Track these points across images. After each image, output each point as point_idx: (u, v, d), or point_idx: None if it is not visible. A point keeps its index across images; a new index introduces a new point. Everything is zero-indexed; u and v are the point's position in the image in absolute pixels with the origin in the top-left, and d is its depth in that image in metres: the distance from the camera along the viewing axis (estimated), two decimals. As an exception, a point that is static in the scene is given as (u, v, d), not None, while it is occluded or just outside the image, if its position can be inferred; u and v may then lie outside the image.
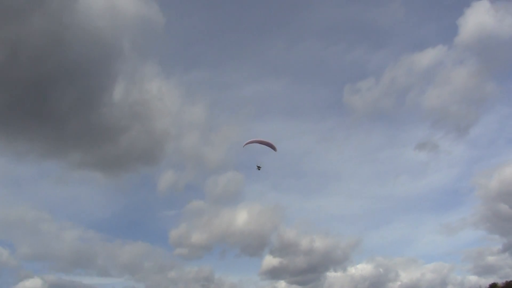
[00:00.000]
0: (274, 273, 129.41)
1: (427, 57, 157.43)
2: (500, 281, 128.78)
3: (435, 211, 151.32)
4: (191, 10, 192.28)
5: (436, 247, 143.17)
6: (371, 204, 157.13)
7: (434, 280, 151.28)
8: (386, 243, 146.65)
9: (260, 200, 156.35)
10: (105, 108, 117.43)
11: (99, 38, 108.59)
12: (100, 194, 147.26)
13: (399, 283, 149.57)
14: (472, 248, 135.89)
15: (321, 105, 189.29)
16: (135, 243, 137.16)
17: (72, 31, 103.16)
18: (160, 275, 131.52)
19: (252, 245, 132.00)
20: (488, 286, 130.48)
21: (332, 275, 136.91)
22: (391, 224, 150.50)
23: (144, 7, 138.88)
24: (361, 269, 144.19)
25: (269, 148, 74.47)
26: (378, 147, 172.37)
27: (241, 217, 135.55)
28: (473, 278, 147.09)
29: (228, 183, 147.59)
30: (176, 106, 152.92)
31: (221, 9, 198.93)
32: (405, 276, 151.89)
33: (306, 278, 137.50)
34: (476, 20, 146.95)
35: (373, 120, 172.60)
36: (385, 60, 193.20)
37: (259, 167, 77.28)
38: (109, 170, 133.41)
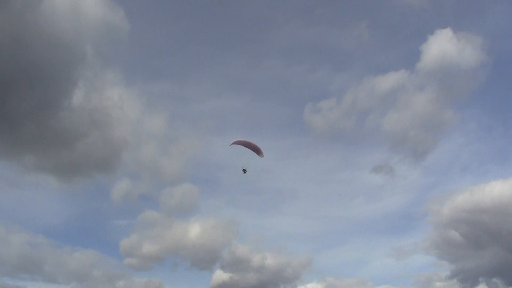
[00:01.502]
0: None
1: (389, 81, 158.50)
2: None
3: (387, 234, 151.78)
4: (157, 20, 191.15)
5: (387, 270, 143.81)
6: (325, 224, 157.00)
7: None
8: (337, 264, 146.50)
9: (215, 214, 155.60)
10: (64, 113, 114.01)
11: (61, 41, 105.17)
12: (52, 199, 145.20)
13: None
14: (421, 273, 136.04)
15: (281, 123, 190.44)
16: (84, 251, 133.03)
17: (34, 32, 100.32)
18: (108, 284, 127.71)
19: (203, 259, 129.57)
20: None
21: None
22: (344, 245, 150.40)
23: (109, 13, 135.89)
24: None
25: (255, 153, 71.42)
26: (335, 167, 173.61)
27: (194, 230, 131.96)
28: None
29: (183, 195, 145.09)
30: (136, 115, 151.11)
31: (188, 23, 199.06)
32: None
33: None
34: (439, 48, 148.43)
35: (332, 140, 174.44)
36: (347, 82, 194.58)
37: (245, 170, 74.35)
38: (64, 175, 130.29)
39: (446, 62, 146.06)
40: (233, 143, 69.21)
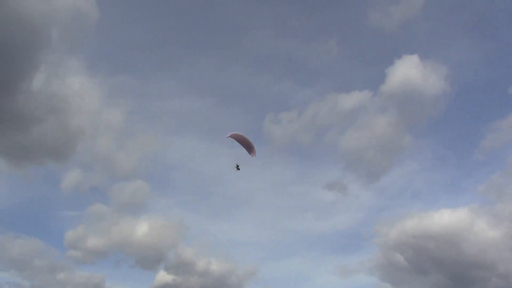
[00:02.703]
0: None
1: (352, 100, 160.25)
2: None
3: (334, 251, 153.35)
4: (129, 13, 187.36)
5: (330, 287, 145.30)
6: (273, 235, 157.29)
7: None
8: (282, 276, 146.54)
9: (164, 214, 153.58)
10: (22, 96, 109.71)
11: (27, 23, 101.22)
12: (1, 184, 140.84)
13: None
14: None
15: (240, 131, 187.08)
16: (28, 239, 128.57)
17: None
18: (49, 275, 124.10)
19: (148, 258, 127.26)
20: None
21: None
22: (291, 259, 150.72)
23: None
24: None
25: (246, 151, 69.21)
26: (290, 180, 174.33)
27: (142, 229, 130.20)
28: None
29: (135, 192, 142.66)
30: (95, 106, 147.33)
31: (159, 20, 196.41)
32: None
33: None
34: (404, 72, 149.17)
35: (289, 153, 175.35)
36: (310, 96, 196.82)
37: (238, 167, 72.28)
38: (15, 159, 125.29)
39: (409, 87, 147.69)
40: (230, 136, 66.89)
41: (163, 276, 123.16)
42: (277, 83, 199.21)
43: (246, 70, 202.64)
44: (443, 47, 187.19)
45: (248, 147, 67.65)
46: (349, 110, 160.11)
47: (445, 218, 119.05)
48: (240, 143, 67.29)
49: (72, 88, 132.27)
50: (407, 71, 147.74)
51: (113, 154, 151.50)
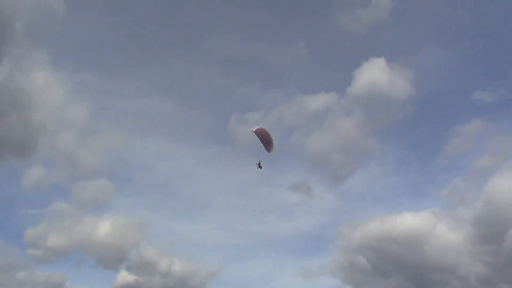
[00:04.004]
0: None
1: (318, 102, 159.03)
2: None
3: (297, 253, 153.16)
4: (96, 9, 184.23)
5: None
6: (236, 237, 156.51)
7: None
8: (245, 278, 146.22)
9: (127, 213, 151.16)
10: None
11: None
12: None
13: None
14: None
15: (206, 131, 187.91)
16: None
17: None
18: (8, 274, 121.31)
19: (109, 258, 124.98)
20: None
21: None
22: (253, 260, 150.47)
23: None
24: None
25: (264, 146, 66.14)
26: (254, 181, 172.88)
27: (104, 228, 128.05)
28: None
29: (97, 190, 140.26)
30: (59, 102, 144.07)
31: (128, 17, 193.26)
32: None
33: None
34: (370, 75, 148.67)
35: (254, 153, 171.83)
36: (277, 98, 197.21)
37: (260, 166, 70.00)
38: None
39: (376, 90, 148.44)
40: (256, 130, 63.81)
41: (124, 276, 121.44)
42: (244, 84, 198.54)
43: (212, 71, 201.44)
44: (410, 52, 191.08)
45: (268, 143, 65.35)
46: (315, 112, 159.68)
47: (408, 222, 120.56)
48: (260, 138, 64.71)
49: (35, 83, 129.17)
50: (374, 74, 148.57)
51: (76, 152, 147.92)
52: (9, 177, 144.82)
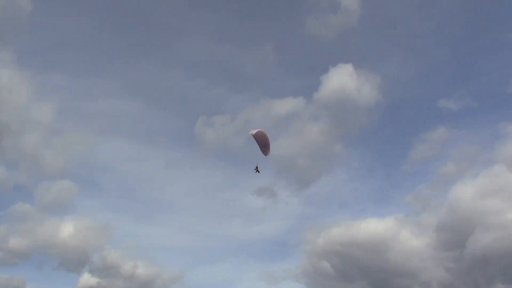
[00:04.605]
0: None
1: (286, 106, 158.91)
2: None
3: (261, 258, 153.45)
4: (65, 8, 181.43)
5: None
6: (201, 240, 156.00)
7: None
8: (208, 282, 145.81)
9: (90, 216, 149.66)
10: None
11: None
12: None
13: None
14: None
15: (172, 134, 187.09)
16: None
17: None
18: None
19: (72, 261, 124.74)
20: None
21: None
22: (217, 264, 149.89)
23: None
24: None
25: (260, 149, 65.74)
26: (219, 185, 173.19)
27: (67, 230, 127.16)
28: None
29: (61, 192, 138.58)
30: (23, 102, 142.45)
31: (96, 18, 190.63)
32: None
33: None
34: (338, 81, 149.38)
35: (220, 157, 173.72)
36: (244, 101, 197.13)
37: (257, 170, 68.97)
38: None
39: (343, 96, 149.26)
40: (256, 133, 62.99)
41: (87, 279, 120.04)
42: (212, 87, 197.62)
43: (180, 74, 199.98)
44: (378, 58, 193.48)
45: (265, 146, 64.82)
46: (282, 116, 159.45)
47: (372, 227, 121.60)
48: (258, 140, 64.07)
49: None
50: (341, 79, 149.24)
51: (40, 152, 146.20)
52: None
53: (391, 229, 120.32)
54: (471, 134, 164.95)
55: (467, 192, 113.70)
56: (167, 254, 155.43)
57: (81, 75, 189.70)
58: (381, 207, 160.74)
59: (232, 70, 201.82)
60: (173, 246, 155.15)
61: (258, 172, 69.09)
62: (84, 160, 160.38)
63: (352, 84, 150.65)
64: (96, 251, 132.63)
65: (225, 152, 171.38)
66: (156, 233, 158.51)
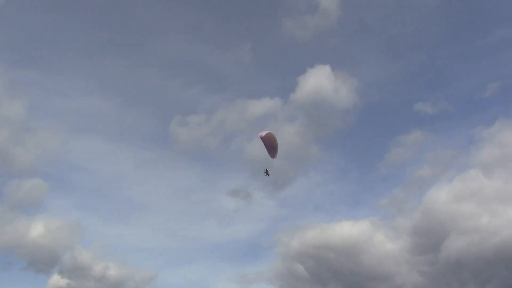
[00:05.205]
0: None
1: (262, 106, 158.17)
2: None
3: (235, 260, 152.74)
4: (38, 3, 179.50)
5: None
6: (174, 242, 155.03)
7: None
8: (181, 284, 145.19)
9: (61, 215, 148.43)
10: None
11: None
12: None
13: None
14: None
15: (146, 133, 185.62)
16: None
17: None
18: None
19: (41, 261, 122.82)
20: None
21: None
22: (190, 266, 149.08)
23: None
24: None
25: (267, 151, 64.44)
26: (193, 185, 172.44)
27: (37, 229, 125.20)
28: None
29: (31, 190, 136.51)
30: None
31: (70, 13, 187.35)
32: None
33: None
34: (315, 82, 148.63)
35: (195, 157, 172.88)
36: (220, 101, 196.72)
37: (267, 173, 67.71)
38: None
39: (320, 97, 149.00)
40: (266, 134, 61.24)
41: (57, 280, 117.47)
42: (187, 87, 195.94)
43: (155, 73, 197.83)
44: (355, 60, 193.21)
45: (273, 149, 63.36)
46: (258, 117, 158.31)
47: (346, 230, 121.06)
48: (266, 143, 62.50)
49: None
50: (318, 81, 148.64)
51: (10, 149, 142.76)
52: None
53: (366, 232, 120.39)
54: (447, 138, 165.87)
55: (442, 196, 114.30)
56: (139, 255, 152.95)
57: (54, 72, 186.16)
58: (356, 210, 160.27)
59: (208, 70, 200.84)
60: (145, 247, 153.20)
61: (268, 175, 68.10)
62: (55, 158, 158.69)
63: (329, 86, 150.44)
64: (67, 252, 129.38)
65: (200, 152, 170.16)
66: (128, 233, 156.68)
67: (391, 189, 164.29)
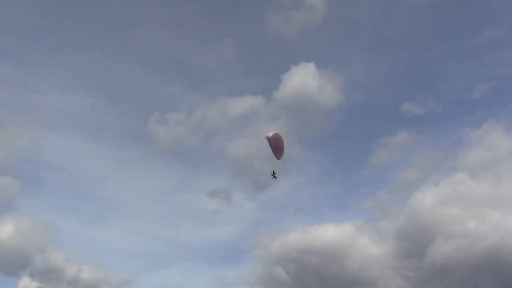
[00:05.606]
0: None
1: (244, 105, 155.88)
2: None
3: (214, 263, 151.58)
4: None
5: None
6: (151, 244, 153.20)
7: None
8: (158, 287, 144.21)
9: (33, 215, 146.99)
10: None
11: None
12: None
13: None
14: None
15: (124, 131, 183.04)
16: None
17: None
18: None
19: (11, 263, 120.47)
20: None
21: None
22: (168, 269, 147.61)
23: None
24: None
25: (273, 152, 62.43)
26: (172, 186, 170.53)
27: (6, 230, 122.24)
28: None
29: (1, 189, 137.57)
30: None
31: (46, 6, 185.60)
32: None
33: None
34: (299, 80, 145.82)
35: (173, 156, 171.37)
36: (201, 98, 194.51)
37: (275, 176, 65.24)
38: None
39: (304, 96, 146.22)
40: (273, 135, 59.49)
41: (27, 283, 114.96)
42: (167, 83, 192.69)
43: (134, 68, 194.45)
44: (341, 59, 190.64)
45: (279, 150, 61.65)
46: (239, 115, 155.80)
47: (329, 233, 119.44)
48: (272, 143, 60.75)
49: None
50: (302, 79, 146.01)
51: None
52: None
53: (349, 236, 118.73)
54: (434, 140, 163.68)
55: (428, 200, 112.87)
56: (115, 258, 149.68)
57: (28, 66, 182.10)
58: (339, 213, 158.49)
59: (189, 66, 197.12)
60: (121, 249, 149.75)
61: (275, 178, 65.57)
62: (28, 155, 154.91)
63: (314, 84, 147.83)
64: (38, 253, 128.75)
65: (179, 151, 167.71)
66: (104, 235, 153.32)
67: (375, 191, 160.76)
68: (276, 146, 61.03)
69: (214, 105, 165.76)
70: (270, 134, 58.96)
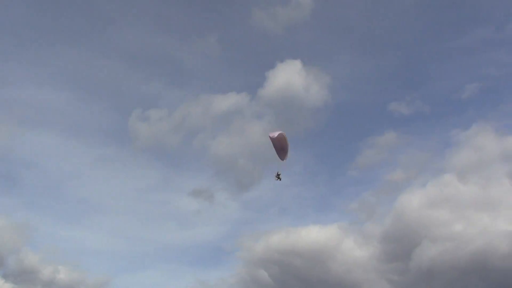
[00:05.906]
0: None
1: (227, 102, 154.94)
2: None
3: (195, 264, 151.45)
4: None
5: None
6: (130, 245, 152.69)
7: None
8: None
9: (6, 214, 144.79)
10: None
11: None
12: None
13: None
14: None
15: (103, 128, 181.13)
16: None
17: None
18: None
19: None
20: None
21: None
22: (147, 270, 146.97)
23: None
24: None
25: (276, 154, 61.58)
26: (153, 185, 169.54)
27: None
28: None
29: None
30: None
31: (26, 2, 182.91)
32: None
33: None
34: (285, 78, 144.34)
35: (154, 154, 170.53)
36: (183, 96, 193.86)
37: (279, 177, 63.96)
38: None
39: (289, 94, 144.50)
40: (278, 135, 58.58)
41: (0, 284, 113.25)
42: (148, 79, 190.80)
43: (114, 64, 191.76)
44: (328, 56, 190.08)
45: (283, 150, 61.13)
46: (223, 113, 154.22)
47: (313, 235, 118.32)
48: (276, 144, 60.11)
49: None
50: (288, 76, 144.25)
51: None
52: None
53: (334, 238, 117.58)
54: (421, 141, 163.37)
55: (414, 201, 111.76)
56: (93, 259, 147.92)
57: (4, 59, 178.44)
58: (324, 214, 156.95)
59: (171, 62, 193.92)
60: (99, 250, 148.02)
61: (280, 179, 64.48)
62: (2, 153, 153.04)
63: (300, 82, 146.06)
64: (12, 254, 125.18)
65: (160, 149, 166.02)
66: (81, 235, 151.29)
67: (361, 193, 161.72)
68: (280, 146, 60.15)
69: (197, 102, 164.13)
70: (275, 134, 58.02)
